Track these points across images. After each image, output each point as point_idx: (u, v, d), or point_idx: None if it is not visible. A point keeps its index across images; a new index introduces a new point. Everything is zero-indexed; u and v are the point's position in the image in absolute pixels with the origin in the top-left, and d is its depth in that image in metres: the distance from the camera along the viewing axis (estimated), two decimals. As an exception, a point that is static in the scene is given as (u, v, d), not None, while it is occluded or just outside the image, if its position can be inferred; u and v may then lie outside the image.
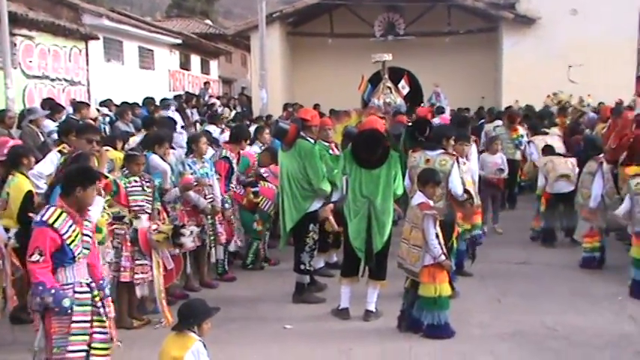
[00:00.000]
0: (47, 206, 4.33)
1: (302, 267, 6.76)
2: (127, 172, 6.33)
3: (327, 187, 6.63)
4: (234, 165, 7.93)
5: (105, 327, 4.30)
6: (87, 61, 17.40)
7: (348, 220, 6.23)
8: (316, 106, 20.13)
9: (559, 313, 6.41)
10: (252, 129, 11.70)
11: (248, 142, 8.91)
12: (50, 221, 4.08)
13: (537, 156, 10.32)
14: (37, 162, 6.51)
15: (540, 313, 6.40)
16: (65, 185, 4.31)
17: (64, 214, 4.14)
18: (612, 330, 5.94)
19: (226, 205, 7.59)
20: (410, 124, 9.83)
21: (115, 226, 6.04)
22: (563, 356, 5.41)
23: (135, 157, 6.43)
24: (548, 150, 9.80)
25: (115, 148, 7.63)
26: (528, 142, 11.11)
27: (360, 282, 6.37)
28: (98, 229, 4.91)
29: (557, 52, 19.67)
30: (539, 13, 20.10)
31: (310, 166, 6.53)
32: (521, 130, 11.46)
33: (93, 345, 4.20)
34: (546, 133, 11.54)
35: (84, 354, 4.16)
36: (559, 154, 9.68)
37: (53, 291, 3.99)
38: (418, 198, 5.91)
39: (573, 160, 9.26)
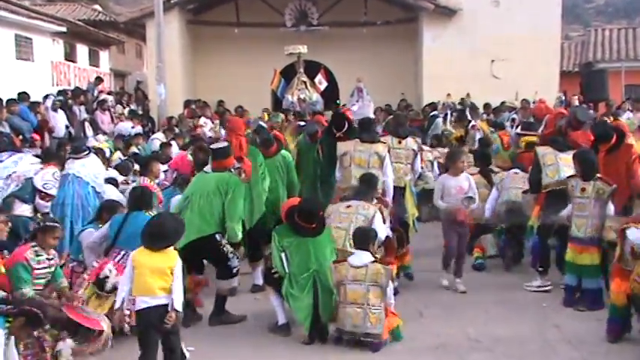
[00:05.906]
0: None
1: (234, 271, 6.88)
2: (37, 247, 5.75)
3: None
4: None
5: None
6: (-49, 51, 16.62)
7: (290, 294, 6.24)
8: (221, 103, 20.10)
9: (482, 324, 6.72)
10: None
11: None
12: None
13: None
14: None
15: (463, 324, 6.68)
16: None
17: None
18: (536, 340, 6.27)
19: None
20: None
21: None
22: (486, 369, 5.70)
23: (54, 229, 5.86)
24: None
25: None
26: None
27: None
28: None
29: (479, 46, 20.33)
30: (460, 4, 20.78)
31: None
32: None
33: None
34: None
35: None
36: None
37: None
38: (368, 256, 6.16)
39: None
